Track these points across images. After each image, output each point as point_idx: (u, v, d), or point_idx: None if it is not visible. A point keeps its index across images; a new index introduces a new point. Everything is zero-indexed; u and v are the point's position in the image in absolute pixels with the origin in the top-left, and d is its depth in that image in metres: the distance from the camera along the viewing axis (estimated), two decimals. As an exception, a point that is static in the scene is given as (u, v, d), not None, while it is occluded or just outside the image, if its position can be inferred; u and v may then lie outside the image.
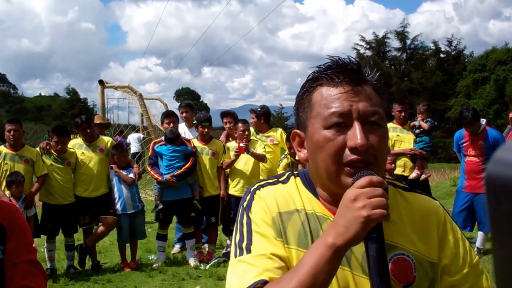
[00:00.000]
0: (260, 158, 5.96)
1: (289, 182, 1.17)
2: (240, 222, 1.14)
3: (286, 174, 1.20)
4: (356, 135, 1.01)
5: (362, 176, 0.97)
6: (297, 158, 6.21)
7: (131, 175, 5.80)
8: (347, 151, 1.02)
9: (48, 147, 5.64)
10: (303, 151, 1.14)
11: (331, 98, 1.05)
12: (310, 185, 1.15)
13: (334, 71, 1.07)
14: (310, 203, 1.13)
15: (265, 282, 1.00)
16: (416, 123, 6.07)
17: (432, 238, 1.10)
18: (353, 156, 1.01)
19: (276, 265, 1.03)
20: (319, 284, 0.93)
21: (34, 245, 1.56)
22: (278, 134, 6.44)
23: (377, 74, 1.11)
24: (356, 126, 1.02)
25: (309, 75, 1.12)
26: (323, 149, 1.05)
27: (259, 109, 6.52)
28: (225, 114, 6.74)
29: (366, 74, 1.09)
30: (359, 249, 1.04)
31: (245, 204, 1.16)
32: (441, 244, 1.10)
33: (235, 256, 1.08)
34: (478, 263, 1.12)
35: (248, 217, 1.13)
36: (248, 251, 1.07)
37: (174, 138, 5.77)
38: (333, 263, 0.94)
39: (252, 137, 6.29)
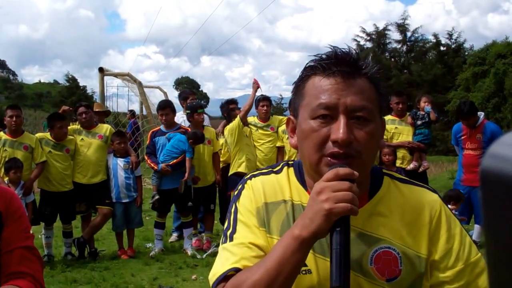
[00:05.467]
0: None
1: (282, 173, 1.18)
2: (229, 210, 1.18)
3: (281, 164, 1.21)
4: (339, 128, 1.00)
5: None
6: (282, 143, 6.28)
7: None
8: (329, 143, 1.02)
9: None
10: (295, 137, 1.14)
11: (321, 89, 1.04)
12: (301, 176, 1.16)
13: (329, 61, 1.06)
14: (299, 194, 1.14)
15: (237, 270, 1.03)
16: (426, 109, 6.03)
17: (422, 232, 1.07)
18: (334, 149, 1.01)
19: (253, 254, 1.05)
20: (285, 274, 0.95)
21: (31, 231, 1.56)
22: (277, 121, 6.46)
23: (376, 67, 1.08)
24: (341, 120, 1.01)
25: (307, 63, 1.11)
26: (308, 138, 1.05)
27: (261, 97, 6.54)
28: (231, 101, 6.73)
29: (364, 67, 1.06)
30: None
31: (236, 193, 1.20)
32: (433, 239, 1.07)
33: (222, 243, 1.13)
34: (478, 261, 1.07)
35: (236, 206, 1.17)
36: (231, 239, 1.11)
37: (201, 140, 5.77)
38: (298, 254, 0.95)
39: (251, 126, 6.31)
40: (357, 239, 1.06)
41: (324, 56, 1.08)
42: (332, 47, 1.07)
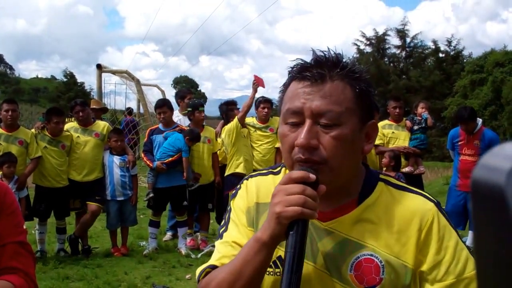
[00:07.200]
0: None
1: (280, 174, 1.18)
2: (227, 209, 1.21)
3: (280, 165, 1.21)
4: (301, 133, 1.00)
5: None
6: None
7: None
8: (296, 149, 1.01)
9: (42, 126, 5.63)
10: None
11: (292, 94, 1.04)
12: None
13: (302, 65, 1.05)
14: None
15: (214, 267, 1.07)
16: (424, 115, 6.07)
17: (410, 241, 1.03)
18: (298, 155, 1.00)
19: (234, 253, 1.07)
20: (247, 275, 0.97)
21: (24, 227, 1.55)
22: (276, 122, 6.45)
23: (355, 66, 1.05)
24: (306, 125, 1.00)
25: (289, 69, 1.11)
26: (282, 143, 1.06)
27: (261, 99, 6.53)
28: (231, 102, 6.74)
29: (340, 68, 1.03)
30: (324, 244, 1.05)
31: (233, 192, 1.22)
32: (422, 249, 1.03)
33: (216, 241, 1.18)
34: (474, 277, 0.96)
35: (231, 205, 1.19)
36: (221, 237, 1.15)
37: (197, 137, 5.76)
38: (259, 256, 0.96)
39: (249, 127, 6.30)
40: (340, 244, 1.05)
41: (301, 61, 1.07)
42: (313, 51, 1.06)
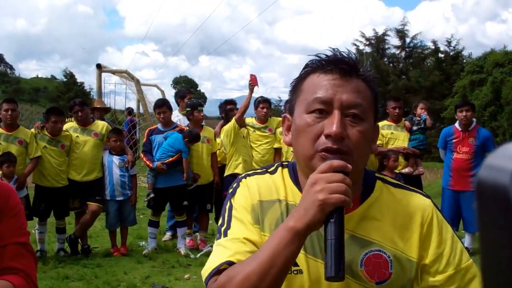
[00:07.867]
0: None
1: (277, 173, 1.19)
2: (224, 207, 1.19)
3: (275, 165, 1.22)
4: (333, 123, 1.01)
5: None
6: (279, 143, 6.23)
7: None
8: (322, 138, 1.03)
9: (42, 125, 5.63)
10: (289, 135, 1.15)
11: (318, 84, 1.06)
12: (295, 177, 1.17)
13: (328, 59, 1.08)
14: (293, 194, 1.15)
15: (231, 264, 1.03)
16: (423, 116, 6.09)
17: (413, 236, 1.08)
18: (328, 144, 1.01)
19: (248, 249, 1.06)
20: (279, 266, 0.95)
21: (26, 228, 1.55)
22: (275, 122, 6.46)
23: (373, 70, 1.11)
24: (336, 115, 1.02)
25: (306, 63, 1.13)
26: (303, 133, 1.06)
27: (260, 99, 6.53)
28: (230, 102, 6.75)
29: (361, 69, 1.08)
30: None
31: (231, 191, 1.21)
32: (424, 243, 1.08)
33: (216, 240, 1.14)
34: (469, 267, 1.08)
35: (231, 203, 1.18)
36: (225, 235, 1.12)
37: (196, 138, 5.76)
38: (292, 246, 0.95)
39: (248, 127, 6.30)
40: (348, 241, 1.06)
41: (323, 56, 1.10)
42: (331, 48, 1.10)
